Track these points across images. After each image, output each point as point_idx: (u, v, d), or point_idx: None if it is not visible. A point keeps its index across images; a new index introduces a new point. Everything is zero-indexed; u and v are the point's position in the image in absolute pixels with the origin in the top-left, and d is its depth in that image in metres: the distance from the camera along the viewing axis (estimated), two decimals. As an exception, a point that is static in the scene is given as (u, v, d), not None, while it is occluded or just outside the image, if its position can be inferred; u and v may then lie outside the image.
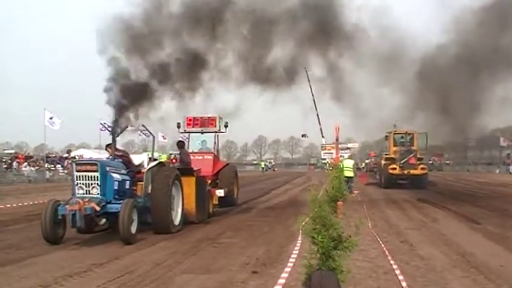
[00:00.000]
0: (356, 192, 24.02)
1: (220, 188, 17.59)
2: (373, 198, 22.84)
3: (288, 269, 7.78)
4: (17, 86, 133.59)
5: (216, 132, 19.57)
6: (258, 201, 22.48)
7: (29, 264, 8.88)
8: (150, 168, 12.51)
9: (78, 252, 9.97)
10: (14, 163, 42.27)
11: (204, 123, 19.27)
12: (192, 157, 16.34)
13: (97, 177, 10.89)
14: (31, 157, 47.01)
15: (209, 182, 17.07)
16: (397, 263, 8.38)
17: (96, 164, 11.13)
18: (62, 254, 9.73)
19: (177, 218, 12.62)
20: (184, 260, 9.13)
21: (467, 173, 62.10)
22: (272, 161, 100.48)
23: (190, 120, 19.31)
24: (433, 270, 8.22)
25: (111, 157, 12.46)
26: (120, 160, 12.41)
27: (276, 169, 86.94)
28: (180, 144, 16.12)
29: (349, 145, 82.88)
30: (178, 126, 19.40)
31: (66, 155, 48.95)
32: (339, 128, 29.35)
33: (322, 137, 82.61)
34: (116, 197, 11.31)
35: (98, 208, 10.47)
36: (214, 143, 19.72)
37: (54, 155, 50.46)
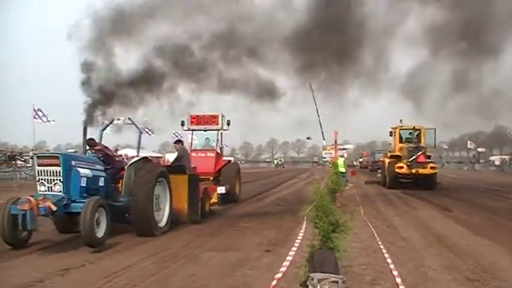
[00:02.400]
0: (350, 185, 23.73)
1: (222, 185, 15.02)
2: (365, 191, 22.53)
3: (294, 248, 7.70)
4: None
5: (218, 130, 16.84)
6: (270, 192, 22.27)
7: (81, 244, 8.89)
8: (132, 164, 9.79)
9: (118, 236, 9.20)
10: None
11: (207, 121, 16.75)
12: (194, 154, 14.54)
13: (59, 172, 8.15)
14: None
15: (211, 179, 15.23)
16: (384, 244, 8.28)
17: (58, 157, 8.29)
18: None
19: (163, 220, 9.87)
20: (208, 241, 9.07)
21: (442, 169, 61.42)
22: (282, 159, 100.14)
23: (194, 118, 16.72)
24: (412, 250, 8.16)
25: (90, 152, 9.74)
26: (99, 155, 9.59)
27: (285, 166, 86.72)
28: (178, 143, 13.61)
29: (345, 146, 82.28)
30: (182, 124, 16.81)
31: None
32: (337, 133, 29.30)
33: (324, 139, 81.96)
34: (84, 195, 8.47)
35: (54, 208, 7.72)
36: (217, 140, 17.00)
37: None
